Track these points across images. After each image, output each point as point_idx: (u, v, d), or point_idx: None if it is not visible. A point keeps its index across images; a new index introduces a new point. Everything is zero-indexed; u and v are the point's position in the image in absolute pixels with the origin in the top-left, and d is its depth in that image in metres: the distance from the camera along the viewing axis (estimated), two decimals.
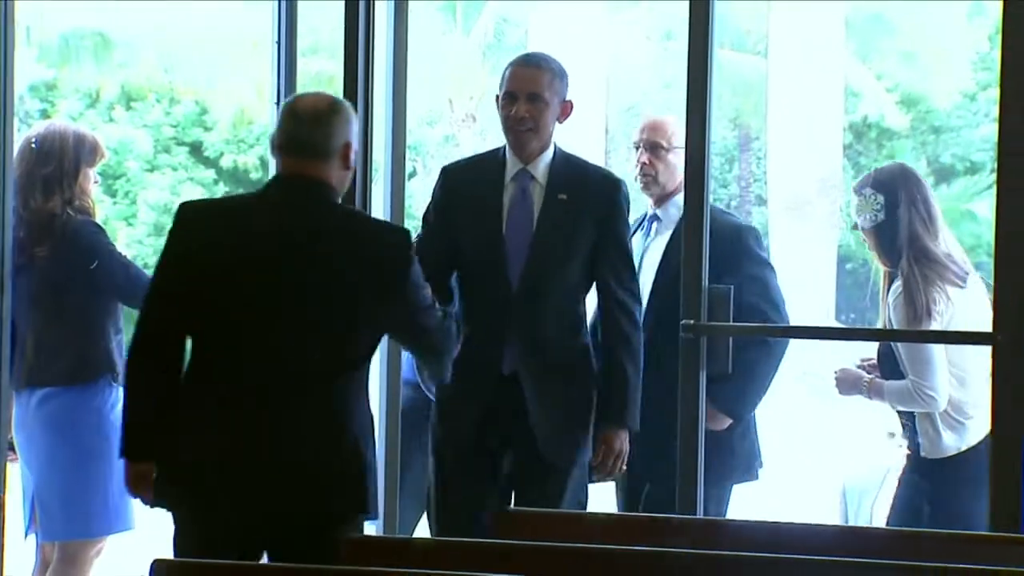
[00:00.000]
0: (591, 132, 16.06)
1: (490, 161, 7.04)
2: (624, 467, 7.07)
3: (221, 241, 5.89)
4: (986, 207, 14.94)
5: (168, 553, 5.25)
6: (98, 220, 8.03)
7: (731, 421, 7.52)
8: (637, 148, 7.60)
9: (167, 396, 5.88)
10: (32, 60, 18.23)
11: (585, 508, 7.05)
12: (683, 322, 7.42)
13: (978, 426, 7.49)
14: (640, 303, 7.12)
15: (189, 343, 5.94)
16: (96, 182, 7.93)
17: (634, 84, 19.01)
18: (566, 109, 6.97)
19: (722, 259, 7.26)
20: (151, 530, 7.75)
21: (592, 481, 7.07)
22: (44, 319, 7.73)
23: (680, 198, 7.31)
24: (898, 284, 7.52)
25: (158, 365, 5.88)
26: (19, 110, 11.37)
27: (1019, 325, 7.15)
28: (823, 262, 16.94)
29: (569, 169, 6.98)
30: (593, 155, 15.94)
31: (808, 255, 16.59)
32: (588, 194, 6.94)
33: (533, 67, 6.93)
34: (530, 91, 6.87)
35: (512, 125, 6.91)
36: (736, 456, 7.63)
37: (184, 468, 5.88)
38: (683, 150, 7.25)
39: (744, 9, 17.15)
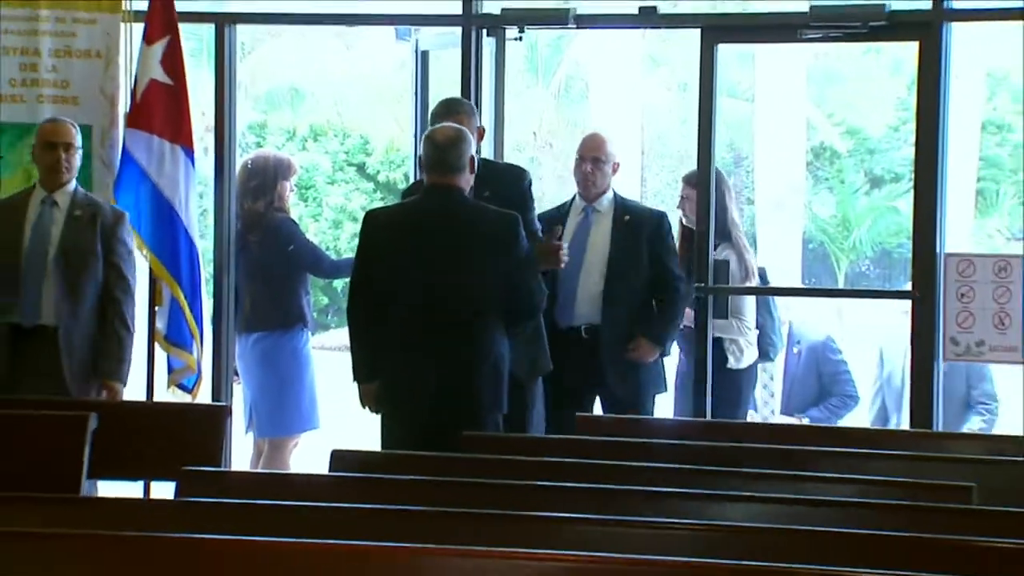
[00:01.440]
0: (630, 158, 15.96)
1: None
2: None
3: (396, 233, 6.09)
4: (906, 204, 14.78)
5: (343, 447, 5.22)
6: (293, 217, 8.05)
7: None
8: (581, 161, 7.17)
9: (376, 339, 6.03)
10: (249, 108, 18.28)
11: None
12: (696, 284, 7.36)
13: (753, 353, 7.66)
14: None
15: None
16: (292, 190, 7.92)
17: (660, 122, 18.91)
18: (480, 134, 6.69)
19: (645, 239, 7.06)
20: (332, 430, 7.75)
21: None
22: (257, 285, 7.74)
23: (608, 195, 7.15)
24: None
25: (368, 319, 6.05)
26: (241, 143, 11.38)
27: (928, 287, 7.09)
28: (793, 242, 16.80)
29: (487, 170, 6.56)
30: (631, 174, 15.85)
31: (783, 238, 16.47)
32: (501, 185, 6.60)
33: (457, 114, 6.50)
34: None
35: None
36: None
37: (388, 385, 6.04)
38: (610, 160, 7.14)
39: (736, 67, 17.03)
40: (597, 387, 7.05)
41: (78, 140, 6.89)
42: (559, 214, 7.16)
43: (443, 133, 6.10)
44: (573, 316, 7.02)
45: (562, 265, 6.59)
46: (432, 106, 6.94)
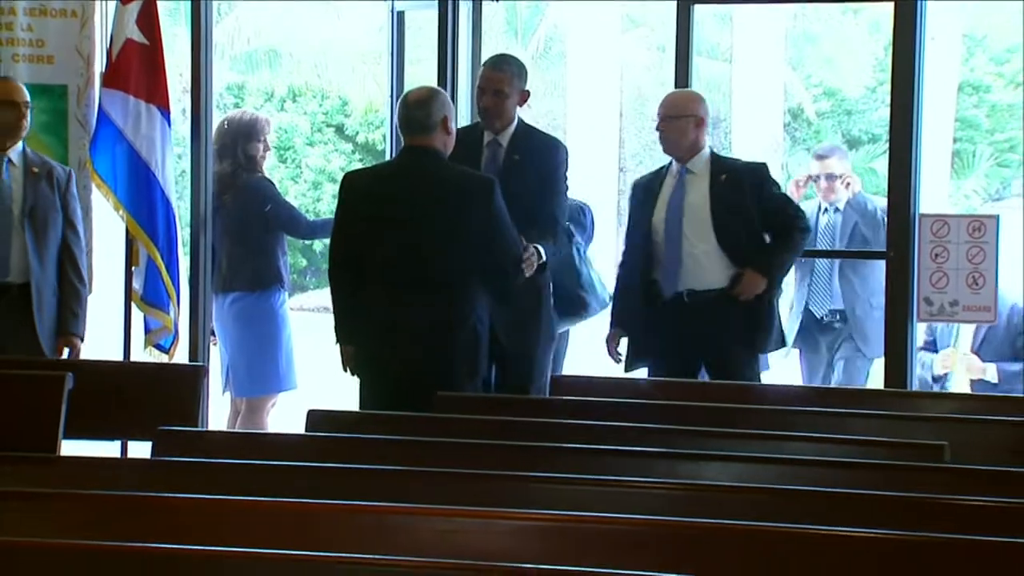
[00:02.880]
0: (609, 118, 15.93)
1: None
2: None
3: (373, 194, 6.07)
4: (881, 165, 14.78)
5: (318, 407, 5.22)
6: (271, 178, 8.03)
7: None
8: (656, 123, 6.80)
9: (355, 302, 6.01)
10: (226, 69, 18.21)
11: None
12: None
13: None
14: None
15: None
16: (269, 149, 7.89)
17: (639, 82, 18.88)
18: (524, 97, 6.55)
19: (748, 193, 6.68)
20: (310, 391, 7.75)
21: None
22: (233, 245, 7.72)
23: (703, 154, 6.68)
24: None
25: (347, 280, 6.02)
26: (219, 104, 11.33)
27: (903, 247, 7.10)
28: None
29: (523, 135, 6.52)
30: (610, 136, 15.82)
31: None
32: (533, 154, 6.47)
33: (499, 70, 6.51)
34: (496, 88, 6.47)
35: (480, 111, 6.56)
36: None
37: (365, 348, 6.04)
38: (684, 116, 6.62)
39: (714, 28, 17.00)
40: (702, 355, 6.65)
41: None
42: (656, 178, 6.80)
43: (414, 93, 6.10)
44: (677, 283, 6.64)
45: (528, 274, 6.18)
46: (409, 68, 6.91)
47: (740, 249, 6.60)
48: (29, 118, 6.81)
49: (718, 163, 6.74)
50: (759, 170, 6.78)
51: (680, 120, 6.68)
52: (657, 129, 6.76)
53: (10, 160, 6.75)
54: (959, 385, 7.68)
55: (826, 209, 8.24)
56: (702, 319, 6.58)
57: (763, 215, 6.63)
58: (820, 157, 8.43)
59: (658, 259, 6.66)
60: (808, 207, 8.03)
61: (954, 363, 7.72)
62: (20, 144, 6.80)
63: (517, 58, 6.73)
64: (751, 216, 6.62)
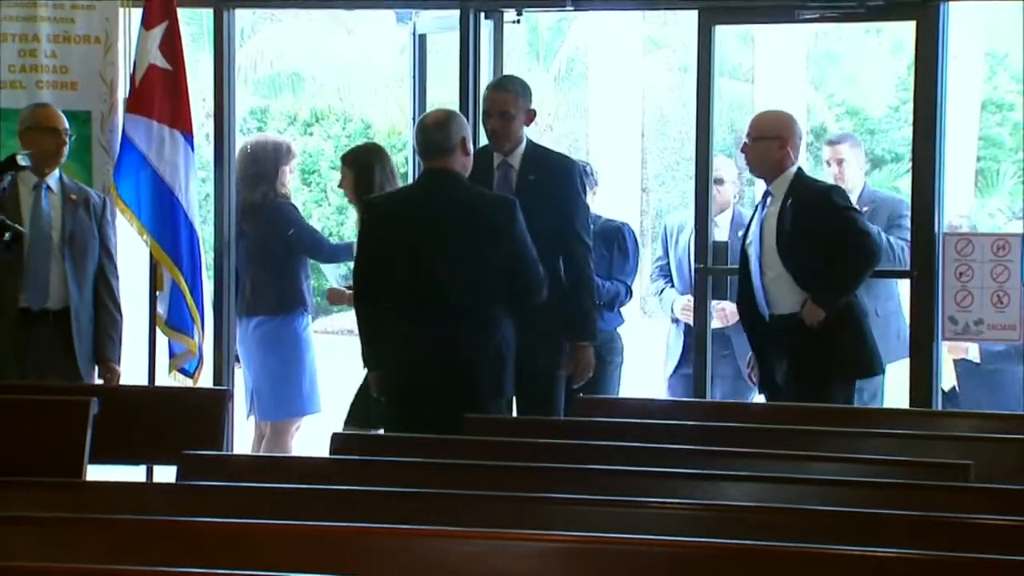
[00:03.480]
0: (631, 139, 15.93)
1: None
2: None
3: (395, 219, 6.08)
4: (905, 184, 14.75)
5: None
6: (295, 202, 8.05)
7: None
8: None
9: (381, 325, 6.03)
10: (249, 94, 18.28)
11: None
12: (698, 265, 7.36)
13: None
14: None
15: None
16: (292, 174, 7.92)
17: (660, 103, 18.89)
18: (531, 116, 6.53)
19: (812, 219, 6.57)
20: (333, 414, 7.76)
21: None
22: (257, 270, 7.74)
23: (785, 175, 6.53)
24: None
25: (372, 306, 6.04)
26: (242, 128, 11.38)
27: (927, 266, 7.09)
28: None
29: (536, 156, 6.50)
30: (632, 157, 15.81)
31: None
32: (548, 173, 6.44)
33: (503, 91, 6.51)
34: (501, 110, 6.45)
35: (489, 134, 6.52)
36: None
37: (392, 371, 6.06)
38: (767, 137, 6.55)
39: (736, 48, 17.00)
40: (792, 380, 6.53)
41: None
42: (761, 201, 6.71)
43: (431, 116, 6.11)
44: (764, 307, 6.61)
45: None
46: (431, 90, 6.92)
47: (805, 274, 6.49)
48: (68, 145, 6.85)
49: (794, 185, 6.54)
50: (824, 193, 6.61)
51: (762, 141, 6.57)
52: (741, 151, 6.69)
53: (48, 187, 6.79)
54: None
55: None
56: (785, 343, 6.52)
57: (827, 239, 6.46)
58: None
59: (750, 285, 6.64)
60: None
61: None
62: (57, 171, 6.84)
63: (520, 78, 6.75)
64: (818, 241, 6.46)
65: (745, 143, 6.65)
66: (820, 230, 6.45)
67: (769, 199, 6.61)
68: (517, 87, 6.53)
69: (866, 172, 8.30)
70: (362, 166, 7.13)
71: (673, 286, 7.93)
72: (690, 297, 7.56)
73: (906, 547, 3.61)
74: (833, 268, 6.47)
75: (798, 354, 6.47)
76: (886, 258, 7.11)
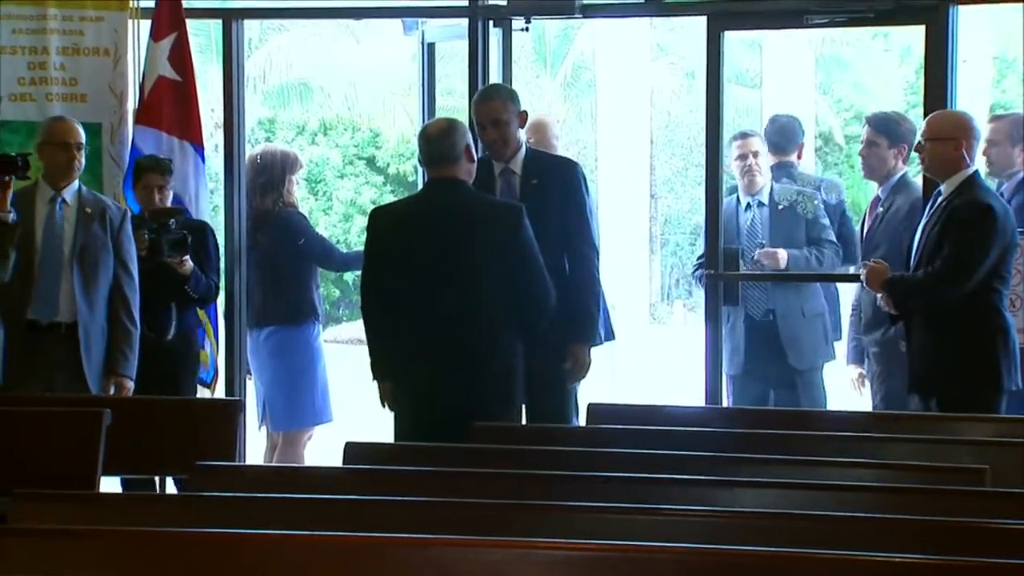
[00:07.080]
0: (639, 145, 15.91)
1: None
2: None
3: (402, 228, 6.04)
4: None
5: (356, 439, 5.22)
6: (302, 211, 8.06)
7: None
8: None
9: (388, 335, 6.00)
10: (258, 104, 18.30)
11: None
12: (708, 271, 7.35)
13: None
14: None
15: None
16: (298, 184, 7.91)
17: (668, 108, 18.90)
18: (523, 119, 6.51)
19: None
20: (345, 423, 7.76)
21: None
22: (267, 280, 7.74)
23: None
24: None
25: (379, 316, 6.02)
26: (250, 138, 11.37)
27: None
28: None
29: (535, 161, 6.53)
30: (641, 161, 15.78)
31: None
32: (550, 177, 6.45)
33: (491, 100, 6.49)
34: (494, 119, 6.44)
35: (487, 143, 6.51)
36: None
37: (399, 384, 6.01)
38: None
39: (744, 54, 17.00)
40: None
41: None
42: None
43: (434, 126, 6.10)
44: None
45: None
46: (440, 99, 6.91)
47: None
48: (83, 158, 6.82)
49: (959, 190, 6.31)
50: (964, 206, 6.26)
51: (938, 143, 6.35)
52: (915, 150, 6.52)
53: (64, 200, 6.75)
54: None
55: (748, 206, 7.83)
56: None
57: (938, 245, 6.27)
58: (740, 137, 7.92)
59: None
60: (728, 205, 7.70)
61: None
62: (75, 184, 6.81)
63: (504, 84, 6.83)
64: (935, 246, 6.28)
65: (919, 143, 6.45)
66: (941, 238, 6.26)
67: (940, 199, 6.37)
68: (504, 93, 6.54)
69: None
70: None
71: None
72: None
73: (922, 552, 3.59)
74: (917, 275, 6.31)
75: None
76: None
